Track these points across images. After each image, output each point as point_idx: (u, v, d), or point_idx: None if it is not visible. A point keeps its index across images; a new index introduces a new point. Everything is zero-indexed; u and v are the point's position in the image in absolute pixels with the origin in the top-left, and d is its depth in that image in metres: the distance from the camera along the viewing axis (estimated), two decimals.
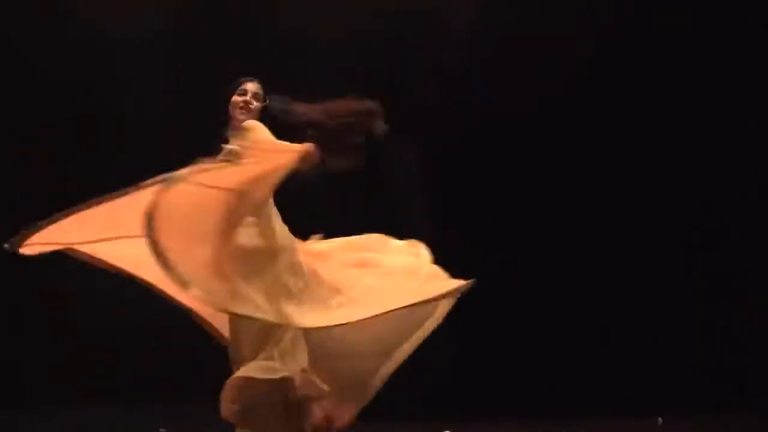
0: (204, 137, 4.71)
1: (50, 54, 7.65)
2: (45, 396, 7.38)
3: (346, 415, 4.51)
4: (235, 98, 4.69)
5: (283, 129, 4.58)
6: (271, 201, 4.52)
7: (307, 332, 4.38)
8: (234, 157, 4.43)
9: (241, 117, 4.67)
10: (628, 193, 8.20)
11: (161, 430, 7.03)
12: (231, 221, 4.36)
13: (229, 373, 4.39)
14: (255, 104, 4.69)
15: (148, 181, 4.24)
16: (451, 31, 8.15)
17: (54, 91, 7.65)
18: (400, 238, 4.91)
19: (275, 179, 4.37)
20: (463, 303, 7.97)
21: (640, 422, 6.83)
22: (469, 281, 4.58)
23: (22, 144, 7.64)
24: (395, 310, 4.45)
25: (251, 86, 4.72)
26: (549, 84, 8.02)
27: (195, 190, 4.27)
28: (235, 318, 4.40)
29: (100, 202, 4.30)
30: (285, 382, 4.33)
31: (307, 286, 4.43)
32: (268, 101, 4.69)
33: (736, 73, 8.06)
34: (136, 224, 4.10)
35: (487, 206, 8.18)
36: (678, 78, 8.07)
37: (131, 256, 4.50)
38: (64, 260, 4.56)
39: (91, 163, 7.56)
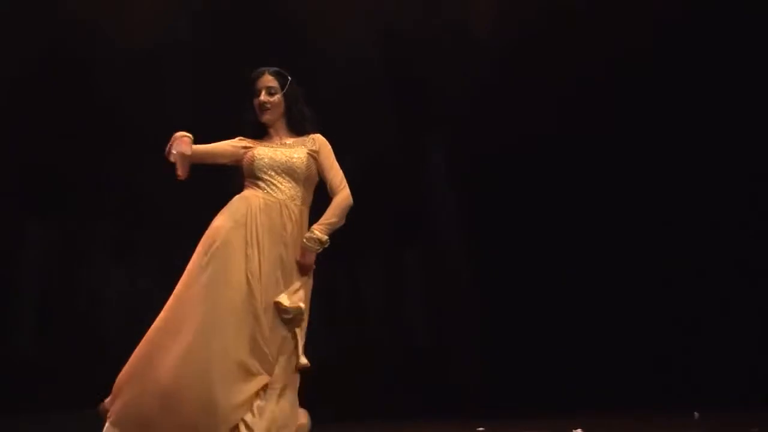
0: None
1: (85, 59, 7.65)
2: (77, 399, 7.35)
3: None
4: (255, 101, 4.72)
5: None
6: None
7: None
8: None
9: (265, 118, 4.72)
10: (655, 194, 8.26)
11: None
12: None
13: None
14: (273, 99, 4.69)
15: None
16: (476, 35, 8.23)
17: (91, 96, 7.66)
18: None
19: None
20: (490, 303, 8.16)
21: (678, 417, 6.82)
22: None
23: (59, 145, 7.61)
24: None
25: (261, 83, 4.72)
26: (575, 90, 8.10)
27: None
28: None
29: None
30: None
31: None
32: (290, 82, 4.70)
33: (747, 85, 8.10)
34: None
35: (512, 208, 8.26)
36: (700, 88, 8.09)
37: None
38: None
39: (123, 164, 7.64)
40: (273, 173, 4.59)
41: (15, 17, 7.37)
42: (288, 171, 4.60)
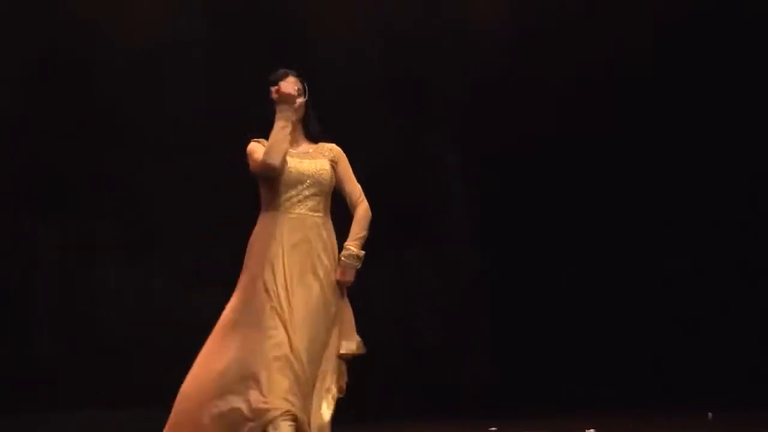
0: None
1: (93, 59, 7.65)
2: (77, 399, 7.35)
3: None
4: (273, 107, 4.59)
5: None
6: None
7: None
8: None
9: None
10: (655, 194, 8.25)
11: None
12: None
13: None
14: (299, 101, 4.54)
15: None
16: (477, 35, 8.24)
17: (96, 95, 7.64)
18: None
19: None
20: (491, 303, 8.17)
21: (691, 417, 6.81)
22: None
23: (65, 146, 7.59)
24: None
25: (288, 82, 4.52)
26: (575, 90, 8.09)
27: None
28: None
29: None
30: None
31: None
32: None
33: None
34: None
35: (512, 208, 8.26)
36: (699, 88, 8.09)
37: None
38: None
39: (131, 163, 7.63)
40: (301, 187, 4.50)
41: (16, 17, 7.36)
42: (316, 183, 4.52)
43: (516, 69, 8.22)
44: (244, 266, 4.47)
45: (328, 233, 4.57)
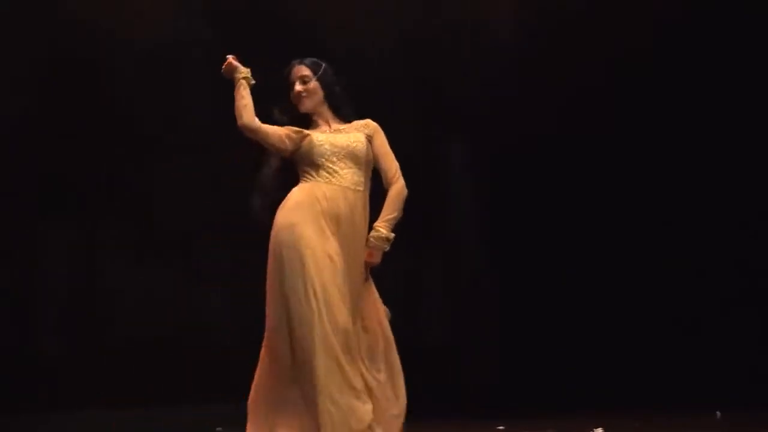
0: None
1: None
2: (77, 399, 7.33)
3: None
4: (292, 93, 4.57)
5: None
6: None
7: None
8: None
9: (305, 107, 4.57)
10: (654, 194, 8.25)
11: (218, 429, 6.97)
12: None
13: None
14: (308, 86, 4.54)
15: None
16: (477, 34, 8.25)
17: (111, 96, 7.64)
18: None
19: None
20: (491, 302, 8.16)
21: (699, 416, 6.82)
22: None
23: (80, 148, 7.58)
24: None
25: (294, 75, 4.57)
26: (575, 91, 8.08)
27: None
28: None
29: None
30: None
31: None
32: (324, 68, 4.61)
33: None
34: None
35: (511, 208, 8.27)
36: (700, 88, 8.09)
37: None
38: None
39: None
40: (335, 159, 4.43)
41: (16, 18, 7.35)
42: (350, 156, 4.45)
43: (516, 68, 8.22)
44: (283, 244, 4.32)
45: (364, 208, 4.49)
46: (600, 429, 6.27)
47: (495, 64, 8.22)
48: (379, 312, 4.53)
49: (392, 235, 4.45)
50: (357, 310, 4.43)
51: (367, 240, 4.45)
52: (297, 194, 4.44)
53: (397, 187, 4.51)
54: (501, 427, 6.73)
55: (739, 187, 8.16)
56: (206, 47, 7.29)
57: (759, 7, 7.96)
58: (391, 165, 4.54)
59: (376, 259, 4.45)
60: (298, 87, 4.55)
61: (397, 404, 4.49)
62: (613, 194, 8.25)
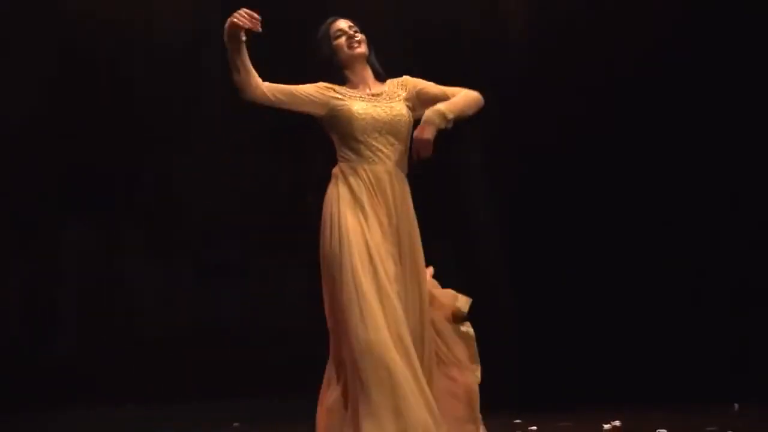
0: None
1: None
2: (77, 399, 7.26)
3: None
4: (338, 42, 4.19)
5: None
6: None
7: None
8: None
9: (358, 51, 4.18)
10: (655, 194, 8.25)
11: (235, 424, 6.93)
12: None
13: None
14: (360, 36, 4.20)
15: None
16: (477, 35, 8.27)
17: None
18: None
19: None
20: (491, 302, 8.09)
21: (717, 408, 6.82)
22: None
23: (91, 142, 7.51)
24: None
25: (337, 25, 4.22)
26: (575, 91, 8.08)
27: None
28: None
29: None
30: None
31: None
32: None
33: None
34: None
35: (511, 208, 8.27)
36: (699, 88, 8.09)
37: None
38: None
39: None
40: (377, 134, 4.04)
41: (30, 16, 7.28)
42: (393, 131, 4.06)
43: (516, 69, 8.22)
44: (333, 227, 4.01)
45: (405, 186, 4.14)
46: (617, 422, 6.20)
47: (496, 64, 8.21)
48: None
49: (451, 115, 4.00)
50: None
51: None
52: (341, 184, 4.06)
53: (471, 91, 4.15)
54: (518, 421, 6.70)
55: (739, 187, 8.19)
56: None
57: (759, 7, 8.02)
58: (446, 88, 4.18)
59: (426, 134, 3.94)
60: (351, 31, 4.18)
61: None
62: (611, 194, 8.22)
